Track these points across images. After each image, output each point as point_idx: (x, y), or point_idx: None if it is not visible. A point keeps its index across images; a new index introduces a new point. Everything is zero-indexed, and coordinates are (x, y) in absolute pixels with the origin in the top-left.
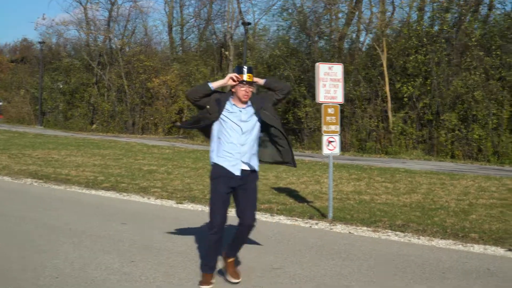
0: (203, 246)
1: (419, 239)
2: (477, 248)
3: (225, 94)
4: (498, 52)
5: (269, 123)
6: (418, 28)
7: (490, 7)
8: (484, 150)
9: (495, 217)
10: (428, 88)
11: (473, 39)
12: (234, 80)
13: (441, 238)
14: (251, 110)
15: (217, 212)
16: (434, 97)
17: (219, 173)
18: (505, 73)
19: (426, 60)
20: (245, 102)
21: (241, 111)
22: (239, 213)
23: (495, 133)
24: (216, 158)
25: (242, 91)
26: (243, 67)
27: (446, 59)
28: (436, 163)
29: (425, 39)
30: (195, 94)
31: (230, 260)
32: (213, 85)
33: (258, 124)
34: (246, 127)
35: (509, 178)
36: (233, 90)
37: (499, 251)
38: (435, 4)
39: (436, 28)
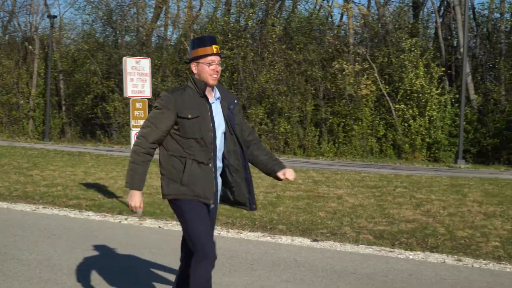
0: None
1: (228, 232)
2: (285, 240)
3: (178, 91)
4: (300, 46)
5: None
6: (223, 23)
7: (294, 4)
8: (291, 143)
9: (301, 208)
10: (235, 82)
11: (274, 35)
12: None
13: (250, 231)
14: (218, 104)
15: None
16: (241, 91)
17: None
18: (307, 67)
19: (232, 55)
20: (212, 89)
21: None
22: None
23: (300, 126)
24: None
25: (210, 69)
26: (205, 37)
27: (252, 54)
28: None
29: (230, 35)
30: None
31: None
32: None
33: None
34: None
35: (315, 171)
36: (194, 71)
37: (306, 241)
38: (240, 0)
39: (242, 23)
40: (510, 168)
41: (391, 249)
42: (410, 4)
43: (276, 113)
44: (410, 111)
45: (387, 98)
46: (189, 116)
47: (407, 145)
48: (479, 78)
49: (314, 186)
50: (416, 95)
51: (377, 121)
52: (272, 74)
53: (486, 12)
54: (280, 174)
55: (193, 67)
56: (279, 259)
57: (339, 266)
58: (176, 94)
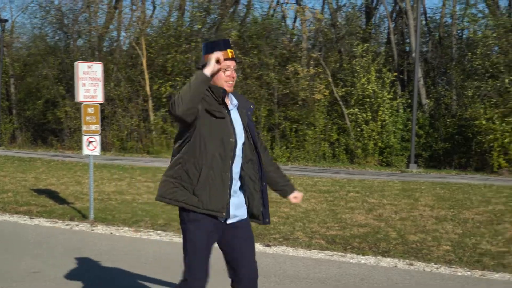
0: None
1: (180, 238)
2: None
3: None
4: (255, 52)
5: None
6: (178, 27)
7: (248, 8)
8: None
9: None
10: None
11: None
12: (218, 62)
13: None
14: (236, 111)
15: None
16: None
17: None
18: (262, 71)
19: (185, 59)
20: (228, 96)
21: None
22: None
23: None
24: None
25: (226, 75)
26: (220, 41)
27: None
28: None
29: (183, 38)
30: (196, 97)
31: None
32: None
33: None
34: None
35: None
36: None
37: (258, 247)
38: (194, 4)
39: (195, 27)
40: (461, 172)
41: (343, 254)
42: (363, 10)
43: None
44: (364, 115)
45: (340, 102)
46: (216, 115)
47: (359, 149)
48: (430, 83)
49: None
50: (368, 100)
51: (330, 126)
52: None
53: (438, 17)
54: (291, 198)
55: None
56: None
57: (292, 271)
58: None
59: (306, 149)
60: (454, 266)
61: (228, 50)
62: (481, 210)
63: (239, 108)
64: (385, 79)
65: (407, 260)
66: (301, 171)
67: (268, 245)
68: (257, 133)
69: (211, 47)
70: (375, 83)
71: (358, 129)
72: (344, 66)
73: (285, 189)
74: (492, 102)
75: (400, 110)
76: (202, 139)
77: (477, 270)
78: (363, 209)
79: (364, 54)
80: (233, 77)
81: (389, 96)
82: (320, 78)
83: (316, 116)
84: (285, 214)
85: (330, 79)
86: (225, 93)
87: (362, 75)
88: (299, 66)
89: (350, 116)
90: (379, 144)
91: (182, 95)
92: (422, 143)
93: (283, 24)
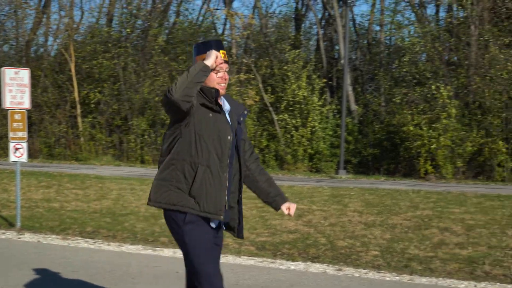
0: None
1: (109, 245)
2: (167, 252)
3: None
4: (184, 58)
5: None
6: (104, 33)
7: (177, 15)
8: None
9: None
10: (116, 93)
11: (157, 47)
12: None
13: (131, 244)
14: (227, 116)
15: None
16: (122, 102)
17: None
18: None
19: (112, 65)
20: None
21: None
22: None
23: None
24: None
25: (219, 77)
26: (212, 41)
27: (133, 64)
28: (126, 169)
29: (110, 45)
30: (193, 85)
31: None
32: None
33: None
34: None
35: None
36: None
37: None
38: (124, 10)
39: (124, 33)
40: (389, 178)
41: (273, 260)
42: (293, 16)
43: (159, 125)
44: (293, 121)
45: (270, 109)
46: (214, 108)
47: (289, 156)
48: (359, 89)
49: None
50: (298, 106)
51: (259, 132)
52: (155, 86)
53: (366, 24)
54: (284, 209)
55: None
56: (161, 272)
57: (225, 277)
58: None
59: None
60: (382, 271)
61: (221, 51)
62: (409, 216)
63: (230, 114)
64: (315, 85)
65: (336, 266)
66: None
67: None
68: (248, 142)
69: (203, 48)
70: (305, 89)
71: (288, 136)
72: (275, 72)
73: (276, 200)
74: (419, 109)
75: (329, 117)
76: (197, 136)
77: (405, 275)
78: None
79: (295, 60)
80: (225, 79)
81: (319, 103)
82: (251, 84)
83: (246, 122)
84: None
85: (260, 85)
86: (217, 93)
87: (293, 81)
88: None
89: (280, 122)
90: (309, 150)
91: (180, 82)
92: (351, 149)
93: (213, 30)
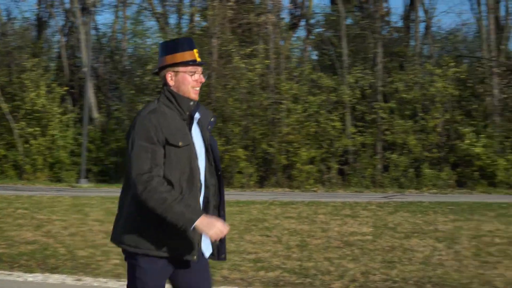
0: None
1: None
2: None
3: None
4: None
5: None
6: None
7: None
8: None
9: None
10: None
11: None
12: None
13: None
14: (196, 126)
15: None
16: None
17: None
18: None
19: None
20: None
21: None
22: None
23: None
24: None
25: (193, 80)
26: (183, 39)
27: None
28: None
29: None
30: (159, 213)
31: None
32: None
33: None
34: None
35: None
36: (170, 82)
37: None
38: None
39: None
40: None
41: (10, 273)
42: (35, 23)
43: None
44: (31, 130)
45: (8, 117)
46: (180, 144)
47: (28, 165)
48: (102, 97)
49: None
50: (38, 114)
51: None
52: None
53: (110, 32)
54: None
55: (169, 77)
56: None
57: None
58: (157, 115)
59: None
60: (123, 279)
61: (195, 50)
62: None
63: (199, 122)
64: (55, 94)
65: (75, 276)
66: None
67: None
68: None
69: (173, 47)
70: (45, 98)
71: (27, 145)
72: (13, 80)
73: None
74: None
75: (70, 125)
76: (166, 171)
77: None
78: (32, 225)
79: (34, 69)
80: (201, 82)
81: (59, 111)
82: None
83: None
84: None
85: None
86: (196, 107)
87: (31, 89)
88: None
89: (18, 131)
90: (49, 160)
91: (155, 201)
92: (93, 157)
93: None
